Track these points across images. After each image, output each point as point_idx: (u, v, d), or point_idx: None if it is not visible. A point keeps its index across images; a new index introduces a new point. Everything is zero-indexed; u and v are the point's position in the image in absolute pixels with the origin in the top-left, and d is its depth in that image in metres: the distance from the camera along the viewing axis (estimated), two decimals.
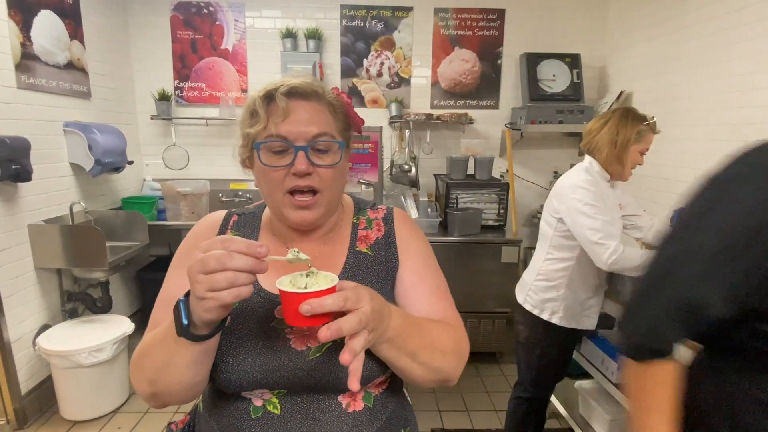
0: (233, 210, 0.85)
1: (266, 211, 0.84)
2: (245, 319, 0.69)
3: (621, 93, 2.85)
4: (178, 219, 2.95)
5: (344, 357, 0.51)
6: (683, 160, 2.39)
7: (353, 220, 0.83)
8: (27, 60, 2.20)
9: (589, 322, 1.71)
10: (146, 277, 3.08)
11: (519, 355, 1.84)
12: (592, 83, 3.21)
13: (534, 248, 3.20)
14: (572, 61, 3.05)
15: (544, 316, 1.68)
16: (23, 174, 2.08)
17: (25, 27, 2.19)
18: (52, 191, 2.39)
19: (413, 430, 0.84)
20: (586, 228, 1.50)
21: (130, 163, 2.84)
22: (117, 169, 2.73)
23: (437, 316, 0.74)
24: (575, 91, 3.01)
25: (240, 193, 3.26)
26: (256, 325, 0.70)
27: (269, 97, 0.70)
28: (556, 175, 3.08)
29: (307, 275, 0.59)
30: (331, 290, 0.54)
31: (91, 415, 2.25)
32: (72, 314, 2.49)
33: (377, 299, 0.57)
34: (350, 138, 0.79)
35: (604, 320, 2.07)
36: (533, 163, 3.33)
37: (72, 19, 2.53)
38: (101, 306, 2.57)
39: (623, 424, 1.87)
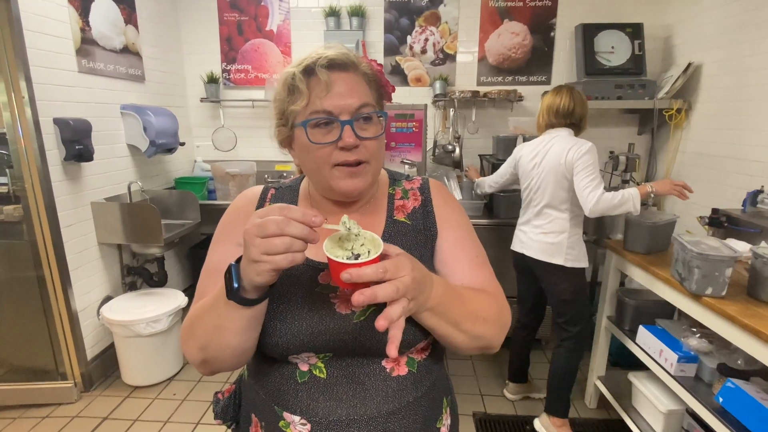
0: (270, 184, 0.86)
1: (303, 184, 0.84)
2: (290, 284, 0.71)
3: (689, 65, 2.61)
4: (227, 199, 3.04)
5: (379, 323, 0.51)
6: (759, 138, 2.16)
7: (389, 191, 0.83)
8: (86, 45, 2.30)
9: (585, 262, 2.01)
10: (198, 254, 3.22)
11: (568, 314, 1.99)
12: (656, 55, 2.97)
13: (585, 233, 3.05)
14: (633, 31, 2.82)
15: (583, 264, 1.94)
16: (86, 154, 2.21)
17: (84, 12, 2.29)
18: (112, 171, 2.53)
19: (454, 400, 0.85)
20: (592, 181, 1.81)
21: (182, 144, 2.94)
22: (170, 150, 2.85)
23: (478, 285, 0.74)
24: (636, 64, 2.80)
25: (285, 174, 3.32)
26: (301, 290, 0.71)
27: (309, 71, 0.68)
28: (612, 155, 2.89)
29: (356, 235, 0.60)
30: (374, 260, 0.54)
31: (149, 382, 2.40)
32: (131, 287, 2.65)
33: (419, 269, 0.57)
34: (383, 107, 0.78)
35: (664, 309, 1.95)
36: None
37: (126, 5, 2.62)
38: (157, 280, 2.71)
39: (680, 418, 1.77)
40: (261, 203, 0.81)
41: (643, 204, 1.89)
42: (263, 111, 3.32)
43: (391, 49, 3.16)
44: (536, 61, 3.09)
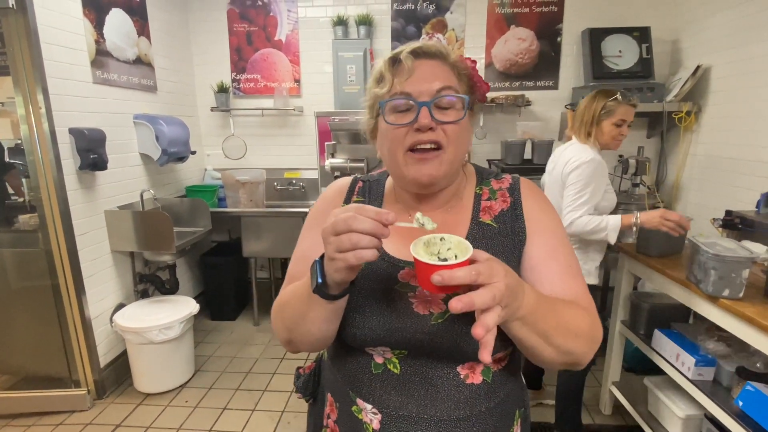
0: (358, 176, 0.87)
1: (389, 179, 0.84)
2: (371, 279, 0.72)
3: (697, 68, 2.61)
4: (237, 206, 3.07)
5: (477, 331, 0.49)
6: None
7: (476, 190, 0.80)
8: (100, 56, 2.35)
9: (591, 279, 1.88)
10: (208, 262, 3.24)
11: None
12: (664, 58, 2.97)
13: None
14: (641, 35, 2.83)
15: (590, 280, 1.83)
16: (100, 163, 2.24)
17: (99, 25, 2.34)
18: (125, 179, 2.56)
19: (527, 413, 0.83)
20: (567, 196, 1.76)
21: (193, 153, 2.98)
22: (181, 158, 2.88)
23: (568, 297, 0.69)
24: (644, 67, 2.80)
25: (294, 182, 3.34)
26: (380, 286, 0.72)
27: (395, 59, 0.71)
28: (622, 159, 2.88)
29: (441, 239, 0.58)
30: (464, 263, 0.52)
31: (161, 389, 2.41)
32: (143, 294, 2.67)
33: (512, 275, 0.55)
34: (474, 103, 0.77)
35: (679, 312, 1.93)
36: None
37: (139, 17, 2.67)
38: (169, 287, 2.73)
39: (699, 423, 1.74)
40: (349, 195, 0.83)
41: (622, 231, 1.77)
42: (272, 119, 3.36)
43: None
44: (543, 66, 3.10)
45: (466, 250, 0.55)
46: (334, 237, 0.56)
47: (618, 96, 1.76)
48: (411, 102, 0.68)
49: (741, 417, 1.41)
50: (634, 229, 1.74)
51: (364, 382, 0.72)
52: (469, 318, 0.51)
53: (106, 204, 2.41)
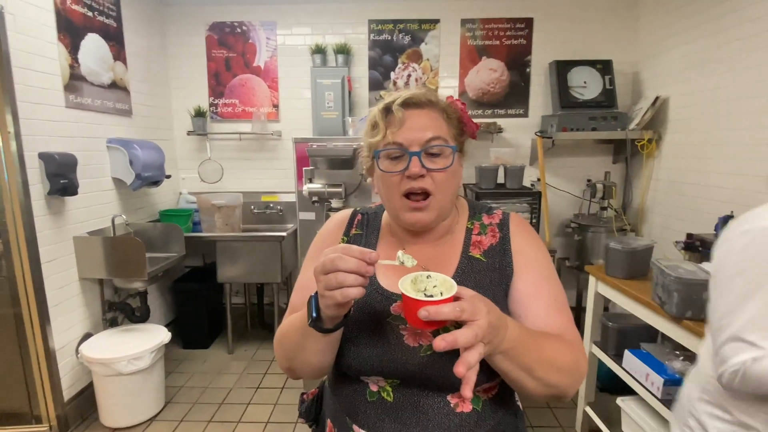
0: (358, 209, 0.92)
1: (386, 212, 0.89)
2: (365, 312, 0.76)
3: (656, 98, 2.77)
4: (212, 231, 3.03)
5: (458, 369, 0.52)
6: (725, 166, 2.29)
7: (467, 225, 0.83)
8: (74, 81, 2.33)
9: None
10: (181, 288, 3.16)
11: None
12: (625, 89, 3.14)
13: (567, 259, 3.12)
14: (603, 67, 2.99)
15: None
16: (70, 188, 2.19)
17: (73, 49, 2.33)
18: (96, 204, 2.50)
19: None
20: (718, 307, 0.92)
21: (168, 177, 2.94)
22: (155, 183, 2.84)
23: (554, 331, 0.72)
24: (608, 97, 2.95)
25: (271, 205, 3.33)
26: (374, 318, 0.75)
27: (387, 109, 0.76)
28: (590, 183, 3.00)
29: (427, 277, 0.62)
30: (449, 299, 0.56)
31: (129, 423, 2.30)
32: (112, 323, 2.58)
33: (494, 312, 0.58)
34: (464, 143, 0.82)
35: (648, 333, 1.99)
36: (565, 172, 3.26)
37: (116, 42, 2.67)
38: (139, 315, 2.64)
39: None
40: (348, 228, 0.88)
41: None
42: (250, 143, 3.36)
43: (375, 84, 3.26)
44: (514, 95, 3.23)
45: (451, 287, 0.58)
46: (323, 276, 0.60)
47: None
48: (403, 151, 0.74)
49: None
50: None
51: (360, 409, 0.76)
52: (456, 351, 0.54)
53: (76, 230, 2.34)
